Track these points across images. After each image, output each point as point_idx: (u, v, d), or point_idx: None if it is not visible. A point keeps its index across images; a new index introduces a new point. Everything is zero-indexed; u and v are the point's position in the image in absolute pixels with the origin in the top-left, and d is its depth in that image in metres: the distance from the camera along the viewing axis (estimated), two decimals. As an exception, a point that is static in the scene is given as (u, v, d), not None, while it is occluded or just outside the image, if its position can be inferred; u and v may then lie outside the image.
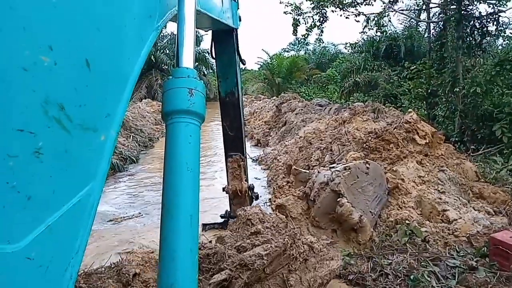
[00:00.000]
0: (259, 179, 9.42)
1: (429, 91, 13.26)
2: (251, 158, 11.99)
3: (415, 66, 14.04)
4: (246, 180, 4.98)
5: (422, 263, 4.25)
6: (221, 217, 5.64)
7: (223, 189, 5.41)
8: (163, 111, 1.89)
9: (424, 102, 14.36)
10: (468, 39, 11.95)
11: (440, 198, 5.76)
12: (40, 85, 1.09)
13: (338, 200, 5.10)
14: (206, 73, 40.91)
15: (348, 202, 5.07)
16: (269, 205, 7.19)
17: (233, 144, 4.94)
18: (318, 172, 5.83)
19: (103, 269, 4.56)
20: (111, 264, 4.60)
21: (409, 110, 8.50)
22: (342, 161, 6.87)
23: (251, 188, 5.29)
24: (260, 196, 5.95)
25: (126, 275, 3.94)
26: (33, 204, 1.05)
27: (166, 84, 1.94)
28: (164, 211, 1.72)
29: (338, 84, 27.06)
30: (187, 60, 2.03)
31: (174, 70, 2.01)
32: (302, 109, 14.77)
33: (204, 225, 5.66)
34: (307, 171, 6.67)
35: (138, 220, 6.80)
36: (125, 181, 10.02)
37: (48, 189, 1.11)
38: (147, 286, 3.85)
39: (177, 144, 1.79)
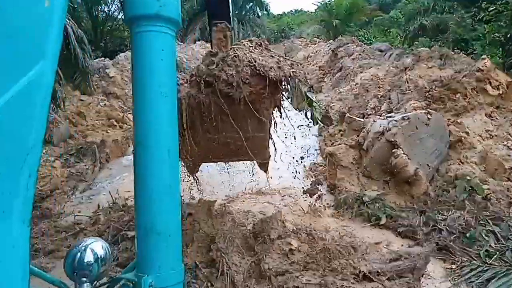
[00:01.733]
0: (311, 126, 9.25)
1: (508, 36, 11.74)
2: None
3: (494, 7, 12.37)
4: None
5: (481, 222, 4.01)
6: None
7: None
8: (125, 15, 1.50)
9: (501, 49, 12.82)
10: None
11: (509, 155, 5.28)
12: None
13: (393, 151, 4.86)
14: (260, 14, 39.52)
15: (404, 153, 4.82)
16: (318, 153, 7.09)
17: (219, 9, 4.04)
18: (374, 121, 5.54)
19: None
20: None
21: (483, 56, 7.62)
22: (400, 110, 6.45)
23: None
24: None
25: (182, 212, 4.15)
26: None
27: None
28: (137, 144, 1.45)
29: (401, 27, 24.95)
30: None
31: None
32: (360, 54, 13.90)
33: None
34: (362, 120, 6.38)
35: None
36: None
37: None
38: (197, 226, 4.02)
39: (146, 61, 1.43)
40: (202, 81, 3.06)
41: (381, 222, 4.17)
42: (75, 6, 14.16)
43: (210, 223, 4.14)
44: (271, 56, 3.26)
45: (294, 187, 5.76)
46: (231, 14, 4.08)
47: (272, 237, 3.83)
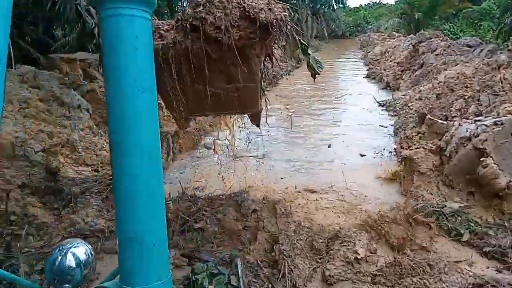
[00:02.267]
0: (386, 126, 8.72)
1: None
2: (377, 102, 11.14)
3: None
4: None
5: None
6: None
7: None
8: None
9: None
10: None
11: None
12: None
13: (481, 159, 4.34)
14: (335, 7, 38.43)
15: (494, 163, 4.28)
16: (394, 155, 6.64)
17: None
18: (459, 124, 5.01)
19: (224, 196, 4.94)
20: (231, 194, 4.94)
21: None
22: (492, 114, 5.76)
23: None
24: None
25: (247, 208, 4.15)
26: None
27: None
28: (113, 145, 1.29)
29: (495, 20, 22.46)
30: None
31: None
32: (444, 50, 12.80)
33: None
34: (445, 122, 5.82)
35: (259, 161, 6.89)
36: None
37: None
38: (261, 224, 3.98)
39: (118, 51, 1.22)
40: (188, 25, 2.80)
41: (463, 238, 3.74)
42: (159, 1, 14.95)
43: (274, 222, 4.07)
44: None
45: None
46: None
47: (338, 243, 3.66)
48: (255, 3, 2.87)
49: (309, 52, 3.62)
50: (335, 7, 37.84)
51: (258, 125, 3.95)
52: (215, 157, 7.23)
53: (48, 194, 4.70)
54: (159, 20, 3.39)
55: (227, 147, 7.65)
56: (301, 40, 3.48)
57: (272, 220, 4.08)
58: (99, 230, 4.13)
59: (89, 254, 1.32)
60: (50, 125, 5.70)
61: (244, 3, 2.84)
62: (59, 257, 1.26)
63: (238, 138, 8.39)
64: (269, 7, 2.89)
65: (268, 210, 4.24)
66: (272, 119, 10.10)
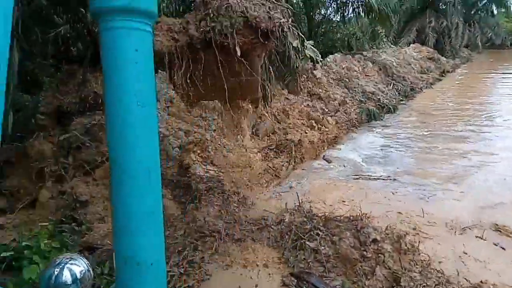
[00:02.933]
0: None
1: None
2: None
3: None
4: None
5: None
6: None
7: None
8: (90, 7, 1.22)
9: None
10: None
11: None
12: None
13: None
14: (495, 12, 33.35)
15: None
16: None
17: None
18: None
19: (342, 218, 4.62)
20: (350, 216, 4.59)
21: None
22: None
23: None
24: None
25: (366, 236, 3.78)
26: None
27: None
28: (112, 163, 1.21)
29: None
30: None
31: None
32: None
33: None
34: None
35: (384, 183, 6.28)
36: (378, 132, 9.75)
37: None
38: (381, 258, 3.56)
39: (117, 65, 1.17)
40: (198, 31, 3.24)
41: None
42: (296, 10, 15.23)
43: (397, 258, 3.60)
44: (261, 3, 3.36)
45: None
46: None
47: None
48: (257, 13, 3.29)
49: (305, 44, 4.11)
50: (494, 12, 32.90)
51: (257, 107, 4.44)
52: (335, 172, 6.93)
53: (178, 187, 5.14)
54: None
55: (348, 163, 7.26)
56: (299, 33, 4.29)
57: (395, 256, 3.61)
58: (216, 230, 4.29)
59: (86, 270, 1.27)
60: (188, 124, 6.25)
61: (247, 13, 3.25)
62: (55, 273, 1.23)
63: (362, 154, 7.90)
64: (269, 16, 3.34)
65: (390, 243, 3.78)
66: (401, 136, 9.24)
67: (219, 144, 6.22)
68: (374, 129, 9.96)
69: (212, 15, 3.24)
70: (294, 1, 15.81)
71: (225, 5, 3.24)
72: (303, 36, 4.16)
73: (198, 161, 5.59)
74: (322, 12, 16.23)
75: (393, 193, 5.75)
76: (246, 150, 6.62)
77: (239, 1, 3.33)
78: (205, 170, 5.51)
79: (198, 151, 5.71)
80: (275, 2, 3.57)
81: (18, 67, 3.75)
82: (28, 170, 4.49)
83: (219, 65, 3.40)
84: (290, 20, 3.68)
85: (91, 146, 4.78)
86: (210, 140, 6.09)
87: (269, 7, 3.41)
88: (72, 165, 4.72)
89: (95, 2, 1.19)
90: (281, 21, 3.40)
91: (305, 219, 4.64)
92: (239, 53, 3.32)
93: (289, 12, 3.67)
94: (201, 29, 3.31)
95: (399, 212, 5.00)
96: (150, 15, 1.22)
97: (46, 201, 4.49)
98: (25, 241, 3.30)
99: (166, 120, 5.94)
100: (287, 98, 9.80)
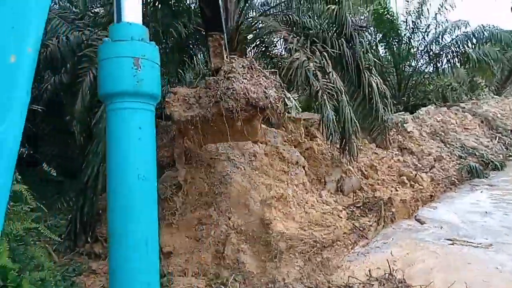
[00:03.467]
0: None
1: None
2: None
3: None
4: (227, 57, 4.82)
5: None
6: None
7: None
8: (99, 92, 1.34)
9: None
10: None
11: None
12: None
13: None
14: None
15: None
16: None
17: (212, 21, 4.61)
18: None
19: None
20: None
21: None
22: None
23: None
24: None
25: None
26: None
27: (100, 50, 1.35)
28: (111, 235, 1.28)
29: None
30: (132, 9, 1.35)
31: (112, 27, 1.36)
32: None
33: None
34: None
35: (485, 252, 5.27)
36: (481, 191, 8.57)
37: None
38: None
39: (121, 141, 1.29)
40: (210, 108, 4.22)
41: None
42: (384, 63, 14.96)
43: None
44: (259, 83, 4.29)
45: None
46: (223, 25, 4.67)
47: None
48: (256, 94, 4.14)
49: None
50: None
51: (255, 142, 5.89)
52: (429, 234, 6.14)
53: (258, 244, 4.99)
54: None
55: (444, 225, 6.42)
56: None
57: None
58: (296, 295, 3.99)
59: None
60: (270, 178, 6.21)
61: (248, 94, 4.09)
62: None
63: (462, 216, 6.94)
64: (265, 95, 4.21)
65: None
66: (510, 198, 7.94)
67: (301, 200, 6.02)
68: (476, 188, 8.79)
69: (221, 95, 4.11)
70: (382, 54, 15.63)
71: (231, 90, 4.10)
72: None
73: (279, 217, 5.43)
74: (413, 64, 15.68)
75: (499, 270, 4.72)
76: (329, 207, 6.29)
77: (241, 83, 4.17)
78: (286, 227, 5.31)
79: (280, 207, 5.57)
80: (271, 78, 4.49)
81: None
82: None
83: (227, 129, 4.29)
84: (283, 91, 4.71)
85: (177, 198, 4.97)
86: (292, 196, 5.93)
87: (265, 86, 4.30)
88: (159, 214, 4.93)
89: (104, 88, 1.33)
90: (278, 96, 4.39)
91: (397, 291, 4.09)
92: (240, 123, 4.26)
93: (281, 84, 4.69)
94: (212, 104, 4.18)
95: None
96: (153, 97, 1.37)
97: (134, 249, 4.70)
98: (111, 290, 3.42)
99: (249, 174, 5.98)
100: (375, 153, 9.31)
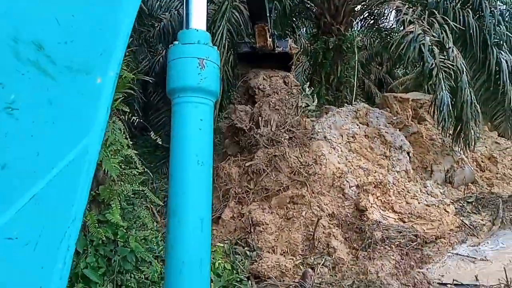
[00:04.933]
0: None
1: None
2: None
3: None
4: (270, 37, 5.62)
5: None
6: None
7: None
8: (167, 88, 1.53)
9: None
10: None
11: None
12: (5, 17, 0.87)
13: None
14: None
15: None
16: None
17: (257, 12, 5.44)
18: None
19: None
20: None
21: None
22: None
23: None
24: None
25: None
26: (10, 172, 0.86)
27: (170, 52, 1.53)
28: (171, 213, 1.44)
29: None
30: (198, 18, 1.55)
31: (181, 33, 1.55)
32: None
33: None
34: None
35: None
36: None
37: (29, 151, 0.90)
38: None
39: (184, 130, 1.47)
40: None
41: None
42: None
43: None
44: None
45: None
46: (267, 14, 5.40)
47: None
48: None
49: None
50: None
51: None
52: None
53: (351, 230, 4.75)
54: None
55: None
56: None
57: None
58: (390, 291, 3.70)
59: None
60: (369, 162, 5.81)
61: None
62: None
63: None
64: None
65: None
66: None
67: (402, 189, 5.52)
68: None
69: None
70: None
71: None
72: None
73: (377, 205, 5.06)
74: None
75: None
76: (435, 199, 5.66)
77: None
78: (383, 216, 4.94)
79: (378, 194, 5.19)
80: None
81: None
82: (217, 189, 4.98)
83: None
84: None
85: (271, 175, 4.95)
86: (392, 183, 5.47)
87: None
88: (252, 190, 4.99)
89: (172, 83, 1.51)
90: None
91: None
92: None
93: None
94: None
95: None
96: (213, 93, 1.53)
97: (228, 219, 4.86)
98: (204, 257, 3.58)
99: (346, 156, 5.68)
100: (496, 142, 8.08)
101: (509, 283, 3.88)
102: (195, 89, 1.48)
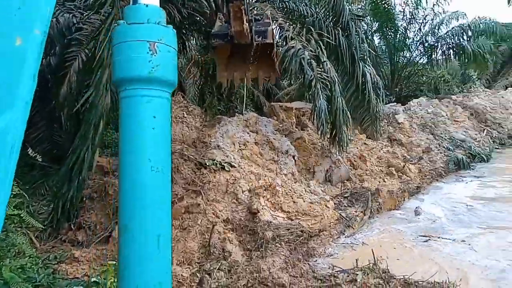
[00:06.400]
0: None
1: None
2: None
3: None
4: (247, 21, 5.11)
5: None
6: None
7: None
8: (112, 78, 1.30)
9: None
10: None
11: None
12: None
13: None
14: None
15: None
16: None
17: None
18: None
19: (424, 283, 4.05)
20: (434, 282, 4.01)
21: None
22: None
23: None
24: None
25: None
26: None
27: (114, 34, 1.27)
28: (122, 228, 1.21)
29: None
30: None
31: (126, 9, 1.27)
32: None
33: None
34: None
35: (460, 247, 5.24)
36: (466, 182, 8.68)
37: None
38: None
39: (134, 131, 1.21)
40: None
41: None
42: (379, 53, 14.89)
43: None
44: None
45: None
46: None
47: None
48: None
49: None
50: None
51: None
52: (413, 226, 6.21)
53: (245, 233, 5.00)
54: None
55: (430, 217, 6.49)
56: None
57: None
58: (280, 284, 4.03)
59: None
60: (259, 167, 6.21)
61: None
62: None
63: (445, 208, 7.04)
64: None
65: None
66: (493, 189, 8.05)
67: (289, 189, 6.03)
68: (462, 180, 8.92)
69: None
70: (377, 44, 15.55)
71: None
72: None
73: (267, 206, 5.44)
74: (407, 55, 15.65)
75: (465, 259, 4.85)
76: (317, 197, 6.32)
77: None
78: (274, 216, 5.33)
79: (268, 196, 5.57)
80: None
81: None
82: (106, 207, 4.76)
83: None
84: None
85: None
86: (280, 185, 5.94)
87: None
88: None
89: (117, 73, 1.26)
90: None
91: (381, 281, 4.15)
92: None
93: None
94: None
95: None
96: (169, 84, 1.28)
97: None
98: (94, 277, 3.41)
99: (239, 163, 5.96)
100: (365, 143, 9.34)
101: (376, 261, 4.56)
102: (145, 80, 1.22)
